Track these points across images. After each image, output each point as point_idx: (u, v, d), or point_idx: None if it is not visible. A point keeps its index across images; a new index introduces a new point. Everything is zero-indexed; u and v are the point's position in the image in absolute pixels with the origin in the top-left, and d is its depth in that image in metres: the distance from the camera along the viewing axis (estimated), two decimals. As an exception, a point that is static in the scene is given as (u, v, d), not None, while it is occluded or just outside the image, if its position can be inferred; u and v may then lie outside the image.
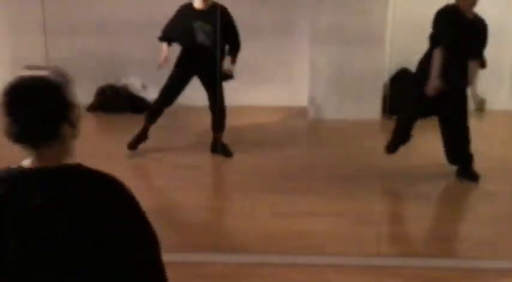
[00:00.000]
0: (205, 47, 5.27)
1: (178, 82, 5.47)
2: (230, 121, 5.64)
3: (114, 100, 6.97)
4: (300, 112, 6.87)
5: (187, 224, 4.43)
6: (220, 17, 5.11)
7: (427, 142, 5.65)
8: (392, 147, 5.12)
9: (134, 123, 6.91)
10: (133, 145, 5.52)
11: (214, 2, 5.28)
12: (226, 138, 5.67)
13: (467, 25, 4.70)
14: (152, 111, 5.60)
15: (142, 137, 5.55)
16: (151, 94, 7.12)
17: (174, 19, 5.41)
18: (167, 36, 5.40)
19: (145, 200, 5.17)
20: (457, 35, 4.68)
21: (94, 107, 7.01)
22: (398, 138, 5.13)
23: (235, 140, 5.89)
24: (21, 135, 1.50)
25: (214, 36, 5.17)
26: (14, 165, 1.59)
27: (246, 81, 6.15)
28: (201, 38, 5.27)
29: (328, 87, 6.81)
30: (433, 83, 4.68)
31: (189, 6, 5.35)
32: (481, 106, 6.95)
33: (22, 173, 1.53)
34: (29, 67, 1.56)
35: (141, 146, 5.60)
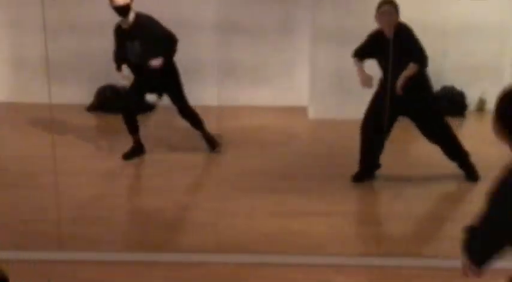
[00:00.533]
0: (139, 65, 5.30)
1: (133, 92, 5.56)
2: (230, 121, 5.65)
3: (114, 100, 6.96)
4: (300, 112, 6.86)
5: (187, 224, 4.44)
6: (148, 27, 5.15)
7: (427, 142, 5.64)
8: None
9: (134, 123, 6.90)
10: (128, 156, 5.48)
11: (137, 16, 5.23)
12: (227, 138, 5.66)
13: (387, 44, 4.79)
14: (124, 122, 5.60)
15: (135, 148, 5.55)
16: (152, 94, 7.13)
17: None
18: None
19: (145, 200, 5.20)
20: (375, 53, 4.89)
21: (94, 107, 7.00)
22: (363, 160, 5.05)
23: (235, 140, 5.89)
24: None
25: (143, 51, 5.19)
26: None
27: (246, 81, 6.15)
28: (132, 56, 5.29)
29: (328, 87, 6.80)
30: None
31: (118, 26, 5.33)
32: (481, 106, 6.96)
33: None
34: None
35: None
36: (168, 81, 5.43)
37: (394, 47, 4.72)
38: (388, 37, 4.77)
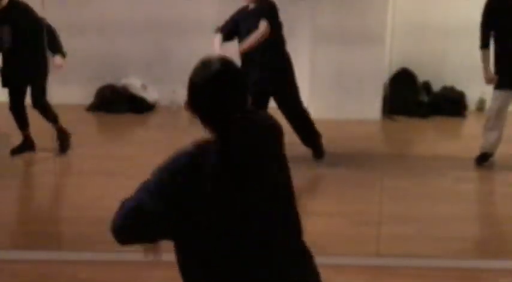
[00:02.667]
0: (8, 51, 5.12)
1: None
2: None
3: (114, 100, 6.97)
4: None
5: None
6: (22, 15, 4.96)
7: (427, 142, 5.65)
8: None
9: (134, 123, 6.91)
10: (16, 151, 5.37)
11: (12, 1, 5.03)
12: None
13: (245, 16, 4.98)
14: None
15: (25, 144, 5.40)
16: (152, 94, 7.13)
17: None
18: None
19: (146, 200, 5.07)
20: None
21: (94, 107, 7.00)
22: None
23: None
24: None
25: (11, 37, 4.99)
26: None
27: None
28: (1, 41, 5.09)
29: (328, 87, 6.80)
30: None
31: None
32: (481, 106, 6.96)
33: None
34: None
35: (141, 146, 5.59)
36: (35, 74, 5.20)
37: None
38: None
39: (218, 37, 4.98)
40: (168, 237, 1.86)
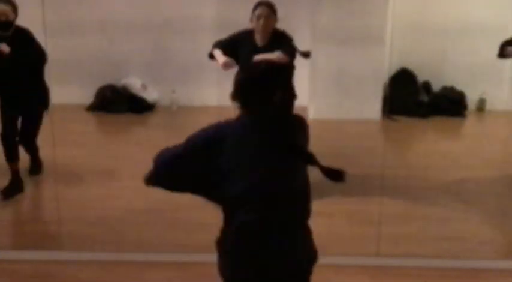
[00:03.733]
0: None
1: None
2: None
3: (114, 100, 6.97)
4: (300, 112, 6.84)
5: (187, 224, 4.43)
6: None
7: (427, 142, 5.65)
8: None
9: (134, 123, 6.92)
10: (7, 194, 4.71)
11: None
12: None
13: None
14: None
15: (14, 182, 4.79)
16: (152, 94, 7.13)
17: None
18: None
19: (146, 200, 5.18)
20: None
21: (94, 107, 7.00)
22: None
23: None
24: None
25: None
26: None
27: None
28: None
29: (328, 87, 6.80)
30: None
31: None
32: (481, 106, 6.96)
33: None
34: None
35: (141, 146, 5.58)
36: (33, 102, 4.83)
37: None
38: None
39: (218, 51, 4.55)
40: (198, 187, 2.33)
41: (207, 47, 6.35)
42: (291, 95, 5.45)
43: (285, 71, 2.53)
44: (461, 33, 6.66)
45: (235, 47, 4.61)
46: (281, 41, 4.62)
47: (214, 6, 6.82)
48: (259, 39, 4.54)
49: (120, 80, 7.15)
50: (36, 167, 5.13)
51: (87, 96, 6.96)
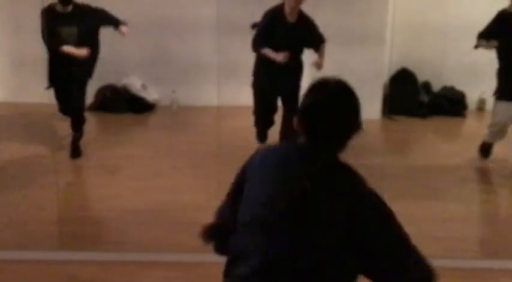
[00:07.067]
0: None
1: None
2: (230, 121, 5.63)
3: (114, 100, 6.97)
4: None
5: (187, 224, 4.43)
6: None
7: (427, 142, 5.65)
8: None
9: (134, 123, 6.92)
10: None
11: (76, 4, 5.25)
12: (226, 138, 5.64)
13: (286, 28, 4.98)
14: None
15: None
16: (152, 94, 7.13)
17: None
18: None
19: (146, 200, 5.18)
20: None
21: (94, 107, 7.00)
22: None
23: (235, 140, 5.89)
24: None
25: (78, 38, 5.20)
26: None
27: (246, 81, 6.13)
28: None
29: (328, 87, 6.80)
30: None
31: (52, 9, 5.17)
32: (481, 106, 6.97)
33: None
34: None
35: (141, 146, 5.60)
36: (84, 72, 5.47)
37: None
38: None
39: (266, 49, 5.00)
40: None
41: (207, 47, 6.38)
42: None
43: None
44: (461, 33, 6.65)
45: (271, 29, 5.00)
46: (307, 21, 5.10)
47: (214, 7, 6.82)
48: (289, 15, 4.97)
49: (120, 80, 7.15)
50: (77, 148, 5.49)
51: (87, 96, 6.95)
